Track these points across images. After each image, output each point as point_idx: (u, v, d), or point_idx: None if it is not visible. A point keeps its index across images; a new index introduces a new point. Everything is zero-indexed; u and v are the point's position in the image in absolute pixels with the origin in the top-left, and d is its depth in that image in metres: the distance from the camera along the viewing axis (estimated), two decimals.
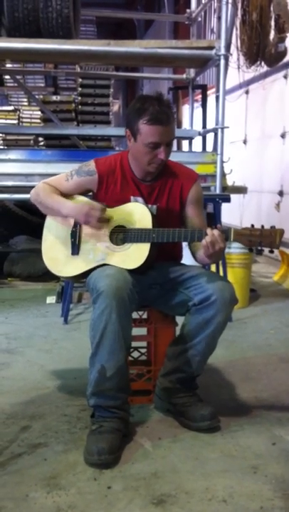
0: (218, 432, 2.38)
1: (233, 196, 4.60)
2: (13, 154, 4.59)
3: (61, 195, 2.48)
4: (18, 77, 7.22)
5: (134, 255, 2.33)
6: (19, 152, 4.66)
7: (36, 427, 2.42)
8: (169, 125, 2.32)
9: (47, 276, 5.33)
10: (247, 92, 8.96)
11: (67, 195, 2.49)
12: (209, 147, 5.50)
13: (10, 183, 4.49)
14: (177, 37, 13.36)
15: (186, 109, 8.86)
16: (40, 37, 4.72)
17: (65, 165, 4.19)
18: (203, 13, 7.98)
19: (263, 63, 5.78)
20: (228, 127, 4.56)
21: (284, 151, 7.47)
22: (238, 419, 2.51)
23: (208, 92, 6.98)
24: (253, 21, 5.39)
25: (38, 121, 7.97)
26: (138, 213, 2.38)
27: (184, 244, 2.57)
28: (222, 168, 4.57)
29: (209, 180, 4.63)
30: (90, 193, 2.55)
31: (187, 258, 2.62)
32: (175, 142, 7.93)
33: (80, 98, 6.40)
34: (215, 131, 4.63)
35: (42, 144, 7.41)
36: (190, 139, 6.18)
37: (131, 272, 2.30)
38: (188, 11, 6.30)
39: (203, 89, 6.82)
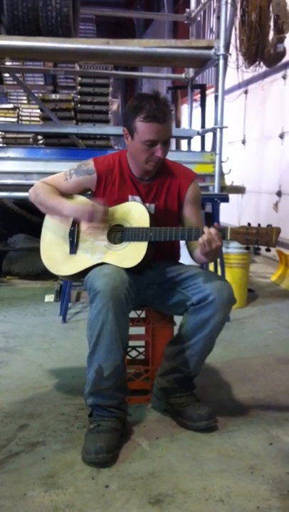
0: (216, 432, 2.39)
1: (231, 196, 4.61)
2: (12, 152, 4.59)
3: (60, 195, 2.48)
4: (17, 75, 7.21)
5: (132, 254, 2.33)
6: (18, 150, 4.66)
7: (34, 425, 2.43)
8: (166, 123, 2.32)
9: (45, 274, 5.33)
10: (246, 92, 8.97)
11: (65, 194, 2.49)
12: (208, 147, 5.49)
13: (9, 181, 4.48)
14: (176, 36, 13.36)
15: (184, 109, 8.87)
16: (39, 35, 4.72)
17: (64, 163, 4.19)
18: (202, 13, 7.99)
19: (261, 63, 5.79)
20: (226, 127, 4.56)
21: (283, 151, 7.48)
22: (236, 419, 2.51)
23: (207, 92, 6.99)
24: (253, 21, 5.41)
25: (38, 119, 7.98)
26: (136, 212, 2.38)
27: (182, 244, 2.57)
28: (221, 167, 4.57)
29: (208, 180, 4.63)
30: (89, 192, 2.55)
31: (185, 258, 2.63)
32: (174, 142, 7.94)
33: (79, 97, 6.39)
34: (214, 130, 4.63)
35: (41, 142, 7.41)
36: (189, 138, 6.17)
37: (129, 271, 2.30)
38: (187, 10, 6.29)
39: (202, 88, 6.82)
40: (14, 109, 9.32)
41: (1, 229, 6.47)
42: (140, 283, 2.40)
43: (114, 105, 18.86)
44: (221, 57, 4.46)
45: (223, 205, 4.53)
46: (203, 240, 2.20)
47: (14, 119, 9.03)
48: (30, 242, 6.04)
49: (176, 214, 2.53)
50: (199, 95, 6.95)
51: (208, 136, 5.33)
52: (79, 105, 6.38)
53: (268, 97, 8.04)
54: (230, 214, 8.78)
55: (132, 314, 2.50)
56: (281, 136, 7.47)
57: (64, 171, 2.54)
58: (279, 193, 7.53)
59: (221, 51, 4.46)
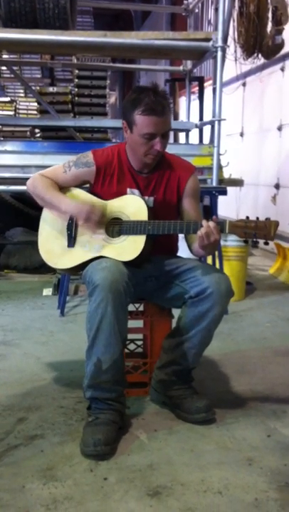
0: (214, 424, 2.39)
1: (229, 189, 4.60)
2: (9, 146, 4.58)
3: (58, 188, 2.47)
4: (14, 68, 7.19)
5: (130, 247, 2.33)
6: (15, 144, 4.65)
7: (33, 418, 2.43)
8: (165, 116, 2.30)
9: (43, 268, 5.35)
10: (244, 85, 8.93)
11: (64, 186, 2.49)
12: (206, 139, 5.48)
13: (6, 174, 4.47)
14: (174, 28, 13.31)
15: (182, 101, 8.82)
16: (36, 28, 4.70)
17: (61, 157, 4.17)
18: (200, 5, 7.95)
19: (260, 55, 5.76)
20: (225, 120, 4.55)
21: (281, 143, 7.47)
22: (234, 412, 2.52)
23: (205, 84, 6.97)
24: (251, 13, 5.37)
25: (35, 112, 7.94)
26: (134, 206, 2.38)
27: (180, 237, 2.57)
28: (219, 160, 4.56)
29: (206, 172, 4.63)
30: (87, 185, 2.54)
31: (183, 251, 2.63)
32: (172, 134, 7.91)
33: (76, 89, 6.37)
34: (212, 123, 4.63)
35: (38, 135, 7.38)
36: (187, 131, 6.17)
37: (127, 264, 2.30)
38: (185, 2, 6.27)
39: (200, 81, 6.81)
40: (11, 102, 9.27)
41: None
42: (138, 276, 2.40)
43: (112, 98, 18.80)
44: (219, 49, 4.45)
45: (221, 198, 4.52)
46: (201, 233, 2.20)
47: (11, 113, 9.00)
48: (28, 235, 6.03)
49: (175, 207, 2.53)
50: (197, 88, 6.94)
51: (207, 129, 5.32)
52: (76, 98, 6.36)
53: (266, 90, 8.01)
54: (229, 207, 8.77)
55: (131, 307, 2.50)
56: (279, 129, 7.45)
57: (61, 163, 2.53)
58: (277, 186, 7.52)
59: (219, 43, 4.44)
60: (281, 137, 7.46)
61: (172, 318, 2.67)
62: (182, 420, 2.42)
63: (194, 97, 7.33)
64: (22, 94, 10.62)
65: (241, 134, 9.24)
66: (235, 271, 4.63)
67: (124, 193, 2.44)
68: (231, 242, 4.62)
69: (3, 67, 9.09)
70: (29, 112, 9.01)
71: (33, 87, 7.08)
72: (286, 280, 5.59)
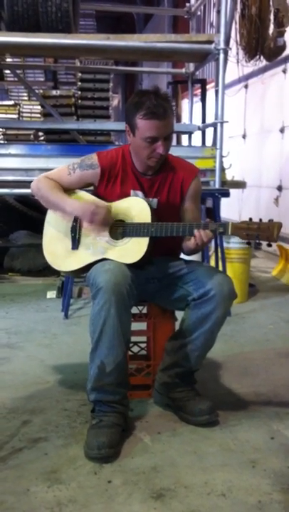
0: (217, 426, 2.39)
1: (232, 191, 4.60)
2: (13, 149, 4.60)
3: (63, 189, 2.47)
4: (18, 71, 7.21)
5: (133, 250, 2.34)
6: (19, 147, 4.67)
7: (37, 421, 2.44)
8: (167, 119, 2.30)
9: (47, 271, 5.35)
10: (246, 87, 8.95)
11: (68, 188, 2.49)
12: (209, 142, 5.50)
13: (10, 177, 4.49)
14: (176, 31, 13.31)
15: (185, 104, 8.85)
16: (39, 31, 4.72)
17: (65, 159, 4.17)
18: (202, 7, 7.98)
19: (262, 57, 5.77)
20: (227, 122, 4.57)
21: (283, 145, 7.47)
22: (237, 414, 2.52)
23: (208, 87, 6.98)
24: (253, 15, 5.38)
25: (38, 115, 7.98)
26: (137, 208, 2.38)
27: None
28: (221, 162, 4.57)
29: (208, 174, 4.64)
30: (91, 188, 2.54)
31: None
32: (174, 137, 7.92)
33: (79, 92, 6.40)
34: (214, 125, 4.64)
35: (42, 138, 7.41)
36: (189, 133, 6.18)
37: (130, 266, 2.30)
38: (187, 4, 6.30)
39: (203, 83, 6.82)
40: (15, 105, 9.32)
41: (3, 225, 6.48)
42: (141, 278, 2.40)
43: (115, 100, 18.81)
44: (221, 51, 4.46)
45: (223, 200, 4.52)
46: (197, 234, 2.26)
47: (15, 116, 9.04)
48: (31, 238, 6.05)
49: (178, 208, 2.53)
50: (200, 90, 6.96)
51: (209, 131, 5.34)
52: (79, 101, 6.38)
53: (268, 91, 8.02)
54: (231, 209, 8.78)
55: (134, 310, 2.50)
56: (281, 131, 7.45)
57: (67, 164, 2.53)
58: (280, 188, 7.53)
59: (221, 45, 4.46)
60: (283, 139, 7.46)
61: (175, 321, 2.68)
62: (185, 422, 2.42)
63: (197, 99, 7.35)
64: (26, 98, 10.66)
65: (243, 136, 9.25)
66: (238, 273, 4.62)
67: (128, 195, 2.45)
68: (234, 244, 4.62)
69: (7, 71, 9.10)
70: (33, 115, 9.05)
71: (37, 91, 7.10)
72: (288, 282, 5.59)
